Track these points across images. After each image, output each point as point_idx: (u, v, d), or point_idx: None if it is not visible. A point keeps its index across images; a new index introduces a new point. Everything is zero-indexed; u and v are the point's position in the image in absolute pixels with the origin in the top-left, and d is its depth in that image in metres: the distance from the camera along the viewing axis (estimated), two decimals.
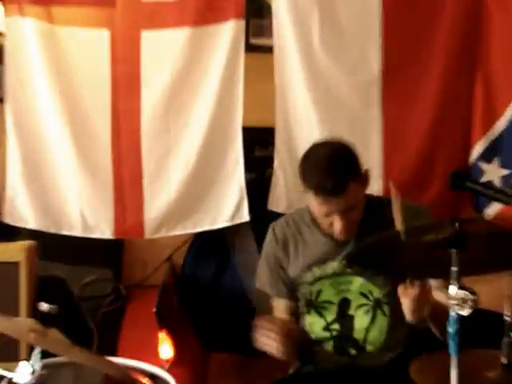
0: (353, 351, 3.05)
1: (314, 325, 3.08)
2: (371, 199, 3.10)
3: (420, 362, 2.59)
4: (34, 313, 2.98)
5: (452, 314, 2.30)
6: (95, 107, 3.95)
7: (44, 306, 2.41)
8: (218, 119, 3.93)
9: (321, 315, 3.07)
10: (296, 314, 3.12)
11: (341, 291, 3.05)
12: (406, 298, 2.75)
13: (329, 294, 3.06)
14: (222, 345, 3.97)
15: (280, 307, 3.13)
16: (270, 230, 3.21)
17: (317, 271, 3.05)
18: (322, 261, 3.05)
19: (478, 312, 2.42)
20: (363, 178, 2.98)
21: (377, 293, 3.02)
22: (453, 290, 2.30)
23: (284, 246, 3.13)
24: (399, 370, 2.68)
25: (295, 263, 3.10)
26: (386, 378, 2.90)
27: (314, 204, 2.93)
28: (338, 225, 2.92)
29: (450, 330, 2.31)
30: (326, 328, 3.07)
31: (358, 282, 3.03)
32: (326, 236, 3.04)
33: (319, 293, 3.06)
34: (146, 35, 3.90)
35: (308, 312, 3.09)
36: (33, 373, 2.37)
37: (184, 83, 3.92)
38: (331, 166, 2.90)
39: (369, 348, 3.05)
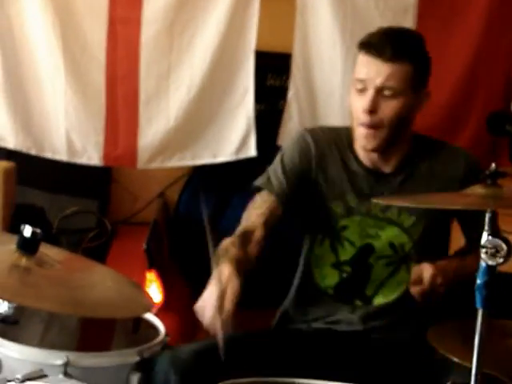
0: (358, 302, 3.03)
1: (323, 258, 3.05)
2: (421, 137, 3.09)
3: (438, 327, 2.65)
4: None
5: (482, 263, 2.35)
6: (90, 15, 3.96)
7: (28, 230, 2.44)
8: (229, 39, 3.95)
9: (334, 249, 3.05)
10: (268, 226, 2.92)
11: (367, 235, 3.01)
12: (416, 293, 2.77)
13: (353, 233, 3.02)
14: None
15: (262, 204, 2.97)
16: (303, 130, 3.16)
17: (351, 201, 3.02)
18: (358, 194, 3.01)
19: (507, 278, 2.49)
20: (421, 89, 2.95)
21: (409, 247, 3.01)
22: (484, 237, 2.35)
23: (321, 153, 3.05)
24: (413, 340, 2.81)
25: (330, 182, 3.04)
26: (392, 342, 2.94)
27: (357, 68, 2.92)
28: (365, 102, 2.87)
29: (479, 281, 2.36)
30: (336, 265, 3.04)
31: (390, 232, 3.01)
32: (363, 168, 3.02)
33: (343, 228, 3.03)
34: None
35: (321, 243, 3.05)
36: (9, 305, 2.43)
37: None
38: (401, 34, 2.96)
39: (376, 302, 3.04)
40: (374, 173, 3.01)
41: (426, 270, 2.74)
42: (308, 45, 3.97)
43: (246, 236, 2.85)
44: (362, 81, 2.88)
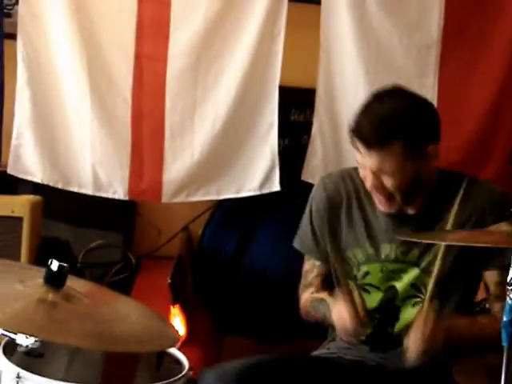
0: (390, 346, 3.01)
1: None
2: (449, 174, 3.07)
3: (462, 364, 2.63)
4: None
5: (509, 301, 2.32)
6: (117, 50, 3.96)
7: (55, 264, 2.44)
8: (253, 76, 3.94)
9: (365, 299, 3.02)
10: (328, 284, 3.07)
11: (390, 278, 3.02)
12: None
13: (376, 278, 3.02)
14: (237, 328, 4.01)
15: (313, 271, 3.14)
16: (319, 181, 3.19)
17: (369, 250, 3.02)
18: (375, 240, 3.03)
19: None
20: (424, 150, 2.90)
21: (432, 287, 2.92)
22: (511, 274, 2.32)
23: (332, 205, 3.09)
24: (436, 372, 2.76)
25: (346, 229, 3.06)
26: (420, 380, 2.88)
27: (356, 152, 2.91)
28: (368, 177, 2.90)
29: (505, 318, 2.33)
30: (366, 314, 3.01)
31: (412, 273, 2.99)
32: (386, 213, 3.02)
33: (365, 274, 3.04)
34: None
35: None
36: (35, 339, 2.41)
37: (218, 32, 3.93)
38: (382, 116, 2.86)
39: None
40: (397, 216, 2.99)
41: (425, 329, 2.74)
42: (332, 80, 3.96)
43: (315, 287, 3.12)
44: (361, 164, 2.91)
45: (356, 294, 2.86)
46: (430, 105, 3.01)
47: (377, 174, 2.86)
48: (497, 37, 3.91)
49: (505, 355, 2.35)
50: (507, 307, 2.34)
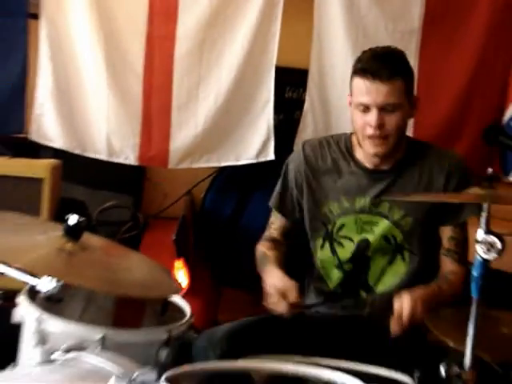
0: (363, 293, 3.04)
1: (326, 262, 3.09)
2: (414, 142, 3.11)
3: (437, 313, 2.65)
4: None
5: (478, 257, 2.35)
6: (131, 31, 3.97)
7: (73, 219, 2.46)
8: (252, 56, 3.96)
9: (334, 252, 3.07)
10: (288, 237, 3.15)
11: (363, 230, 3.03)
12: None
13: (350, 230, 3.04)
14: (234, 281, 4.05)
15: (275, 224, 3.16)
16: (299, 146, 3.21)
17: (345, 204, 3.03)
18: (352, 194, 3.03)
19: (499, 273, 2.49)
20: (412, 97, 2.97)
21: (400, 238, 3.01)
22: (480, 234, 2.34)
23: (311, 166, 3.10)
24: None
25: (322, 188, 3.08)
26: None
27: (356, 92, 2.92)
28: (372, 120, 2.89)
29: (475, 273, 2.36)
30: (338, 266, 3.07)
31: (383, 225, 3.01)
32: (360, 168, 3.04)
33: (341, 227, 3.05)
34: None
35: (322, 247, 3.08)
36: (55, 285, 2.44)
37: (222, 14, 3.94)
38: (385, 52, 2.95)
39: (378, 290, 3.05)
40: (372, 172, 3.03)
41: (406, 306, 2.73)
42: (323, 62, 3.97)
43: (272, 241, 3.10)
44: (364, 103, 2.90)
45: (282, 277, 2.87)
46: None
47: (381, 114, 2.88)
48: (472, 26, 3.92)
49: (474, 306, 2.37)
50: (476, 263, 2.37)
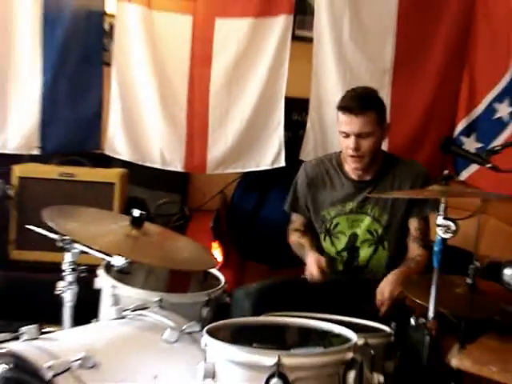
0: (356, 273, 3.07)
1: (328, 249, 3.11)
2: (387, 155, 3.11)
3: (408, 280, 2.65)
4: None
5: (438, 237, 2.35)
6: (177, 74, 3.95)
7: (136, 212, 2.48)
8: (267, 89, 3.93)
9: (333, 244, 3.10)
10: (309, 229, 3.19)
11: (352, 226, 3.06)
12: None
13: (343, 227, 3.07)
14: (256, 256, 4.03)
15: (297, 221, 3.20)
16: (302, 166, 3.22)
17: (338, 207, 3.07)
18: (343, 200, 3.06)
19: (454, 248, 2.49)
20: (384, 124, 2.98)
21: (380, 231, 3.03)
22: (440, 219, 2.34)
23: (311, 182, 3.13)
24: None
25: (321, 198, 3.10)
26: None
27: (340, 123, 2.95)
28: (350, 144, 2.92)
29: (436, 248, 2.36)
30: (337, 254, 3.10)
31: (367, 221, 3.04)
32: (348, 180, 3.06)
33: (336, 225, 3.08)
34: (219, 22, 3.89)
35: (324, 239, 3.11)
36: (124, 261, 2.45)
37: (244, 60, 3.91)
38: (360, 93, 2.98)
39: (367, 270, 3.07)
40: (358, 182, 3.05)
41: (386, 291, 2.78)
42: (320, 93, 3.93)
43: (298, 231, 3.18)
44: (345, 132, 2.93)
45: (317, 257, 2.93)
46: None
47: (357, 140, 2.90)
48: (431, 65, 3.87)
49: (435, 275, 2.37)
50: (437, 241, 2.37)
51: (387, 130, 3.05)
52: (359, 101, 2.91)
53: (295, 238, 3.15)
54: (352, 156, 2.96)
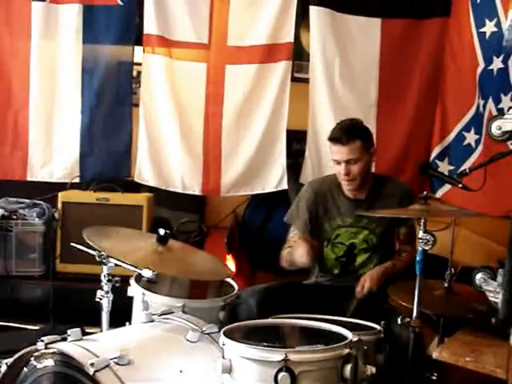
0: (352, 276, 3.02)
1: (328, 255, 3.08)
2: (377, 176, 3.10)
3: (394, 286, 2.65)
4: None
5: (419, 248, 2.34)
6: (194, 112, 3.96)
7: (162, 231, 2.48)
8: (271, 124, 3.93)
9: (333, 252, 3.07)
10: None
11: (351, 237, 3.03)
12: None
13: (343, 237, 3.04)
14: (264, 265, 4.01)
15: (293, 236, 3.06)
16: (307, 184, 3.19)
17: (338, 221, 3.04)
18: (342, 215, 3.03)
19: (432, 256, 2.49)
20: (371, 149, 2.97)
21: (375, 240, 3.01)
22: (421, 233, 2.34)
23: (316, 197, 3.07)
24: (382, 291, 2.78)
25: (324, 212, 3.06)
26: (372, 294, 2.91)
27: (332, 153, 2.94)
28: (341, 170, 2.91)
29: (418, 258, 2.35)
30: (337, 259, 3.07)
31: (364, 233, 3.02)
32: (346, 198, 3.04)
33: (337, 236, 3.05)
34: (228, 68, 3.91)
35: (326, 246, 3.07)
36: (152, 273, 2.45)
37: (250, 100, 3.92)
38: (346, 124, 2.97)
39: (361, 273, 3.01)
40: (354, 200, 3.03)
41: (365, 281, 2.84)
42: (316, 125, 3.94)
43: (290, 247, 3.04)
44: (335, 159, 2.92)
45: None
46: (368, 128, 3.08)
47: (347, 165, 2.89)
48: (409, 99, 3.90)
49: (417, 281, 2.37)
50: (419, 250, 2.37)
51: (374, 154, 3.04)
52: (345, 132, 2.91)
53: (285, 252, 3.05)
54: (343, 180, 2.96)
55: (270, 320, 2.38)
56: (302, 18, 3.99)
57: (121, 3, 3.91)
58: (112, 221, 3.60)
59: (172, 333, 2.31)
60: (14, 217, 3.78)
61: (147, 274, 2.41)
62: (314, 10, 3.84)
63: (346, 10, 3.87)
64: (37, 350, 2.05)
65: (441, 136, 3.85)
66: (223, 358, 2.00)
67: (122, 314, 2.61)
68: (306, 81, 3.95)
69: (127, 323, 2.58)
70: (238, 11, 3.90)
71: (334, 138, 2.92)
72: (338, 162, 2.92)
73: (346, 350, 1.98)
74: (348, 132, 2.90)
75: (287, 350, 1.91)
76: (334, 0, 3.85)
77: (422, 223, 2.34)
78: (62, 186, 3.97)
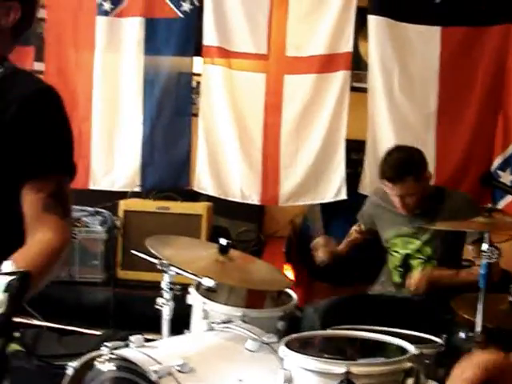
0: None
1: (389, 263, 3.09)
2: (438, 189, 3.06)
3: (458, 298, 2.59)
4: None
5: (483, 261, 2.29)
6: (253, 122, 3.97)
7: (221, 241, 2.49)
8: (330, 134, 3.91)
9: (391, 260, 3.06)
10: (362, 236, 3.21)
11: (406, 247, 3.02)
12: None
13: (398, 246, 3.04)
14: (321, 276, 3.98)
15: (356, 227, 3.22)
16: (370, 194, 3.26)
17: (395, 230, 3.03)
18: (399, 225, 3.02)
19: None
20: (423, 178, 2.92)
21: (429, 252, 2.98)
22: (485, 246, 2.29)
23: (375, 208, 3.12)
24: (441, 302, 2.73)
25: (383, 220, 3.08)
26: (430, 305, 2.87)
27: (385, 186, 2.94)
28: (396, 203, 2.91)
29: (482, 271, 2.30)
30: (395, 268, 3.06)
31: (418, 243, 2.99)
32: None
33: (393, 245, 3.05)
34: (287, 78, 3.92)
35: (387, 253, 3.08)
36: (214, 283, 2.45)
37: (309, 109, 3.91)
38: (396, 161, 2.91)
39: None
40: (411, 214, 2.98)
41: (415, 280, 2.86)
42: (375, 135, 3.90)
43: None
44: (390, 193, 2.93)
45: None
46: (420, 150, 3.01)
47: (401, 199, 2.88)
48: (470, 111, 3.81)
49: (481, 295, 2.32)
50: (483, 264, 2.32)
51: (430, 177, 3.01)
52: (396, 170, 2.87)
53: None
54: (400, 209, 2.95)
55: (329, 331, 2.37)
56: (360, 28, 3.96)
57: (181, 16, 3.97)
58: (171, 229, 3.63)
59: (232, 342, 2.31)
60: (78, 224, 3.88)
61: (209, 283, 2.41)
62: (372, 20, 3.82)
63: (405, 19, 3.83)
64: (101, 355, 2.08)
65: (503, 146, 3.77)
66: (283, 368, 1.99)
67: (179, 321, 2.61)
68: (364, 90, 3.92)
69: (185, 331, 2.60)
70: (297, 21, 3.91)
71: (385, 178, 2.90)
72: (392, 195, 2.92)
73: (408, 364, 1.94)
74: (398, 170, 2.86)
75: (349, 363, 1.89)
76: (393, 9, 3.82)
77: (486, 236, 2.29)
78: (122, 195, 4.05)
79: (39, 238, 1.52)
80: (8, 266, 1.19)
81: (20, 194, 1.56)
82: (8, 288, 1.15)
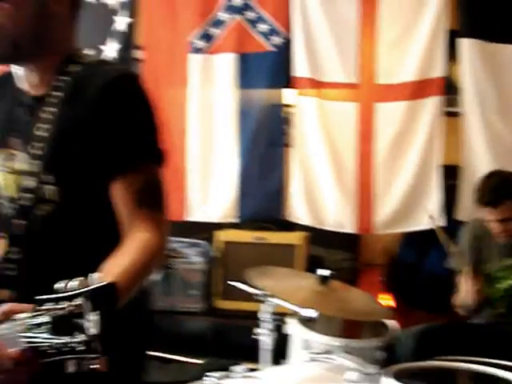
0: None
1: (492, 294, 3.00)
2: None
3: None
4: None
5: None
6: (346, 151, 3.98)
7: (320, 272, 2.51)
8: (424, 161, 3.86)
9: (495, 291, 2.98)
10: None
11: (510, 277, 2.94)
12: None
13: (502, 276, 2.95)
14: (418, 305, 3.92)
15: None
16: (469, 224, 3.15)
17: (500, 262, 2.97)
18: (499, 256, 2.96)
19: None
20: None
21: None
22: None
23: (476, 236, 3.04)
24: None
25: (484, 251, 3.01)
26: None
27: (483, 212, 2.88)
28: (494, 228, 2.84)
29: None
30: (500, 298, 2.98)
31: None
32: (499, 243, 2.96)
33: (497, 277, 2.97)
34: (377, 105, 3.92)
35: (488, 285, 3.00)
36: (315, 313, 2.45)
37: (402, 136, 3.88)
38: (494, 184, 2.86)
39: None
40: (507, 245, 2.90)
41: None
42: (471, 160, 3.82)
43: None
44: (488, 219, 2.87)
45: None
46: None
47: (501, 224, 2.83)
48: None
49: None
50: None
51: None
52: (493, 194, 2.83)
53: (454, 297, 3.05)
54: (500, 236, 2.88)
55: (434, 362, 2.33)
56: (450, 51, 3.91)
57: (272, 49, 4.06)
58: (268, 259, 3.68)
59: (332, 372, 2.32)
60: (177, 255, 4.00)
61: (311, 314, 2.42)
62: (463, 42, 3.77)
63: (497, 39, 3.76)
64: None
65: None
66: None
67: (274, 350, 2.63)
68: (456, 114, 3.87)
69: (282, 360, 2.62)
70: (386, 48, 3.91)
71: (483, 203, 2.84)
72: (490, 220, 2.85)
73: None
74: (496, 194, 2.82)
75: None
76: (484, 30, 3.76)
77: None
78: (214, 226, 4.13)
79: (137, 237, 1.46)
80: (95, 278, 1.14)
81: (108, 191, 1.49)
82: (97, 306, 1.09)
